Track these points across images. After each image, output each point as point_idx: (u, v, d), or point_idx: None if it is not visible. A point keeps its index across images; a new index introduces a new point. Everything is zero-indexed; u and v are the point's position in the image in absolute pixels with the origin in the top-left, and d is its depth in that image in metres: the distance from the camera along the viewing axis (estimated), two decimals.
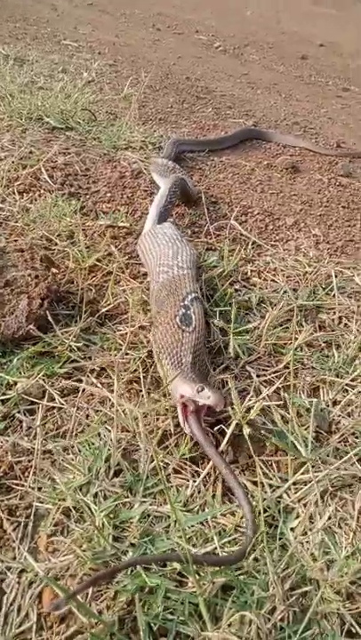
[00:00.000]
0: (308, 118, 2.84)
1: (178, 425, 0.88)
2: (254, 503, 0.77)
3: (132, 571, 0.68)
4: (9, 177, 1.53)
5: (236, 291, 1.28)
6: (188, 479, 0.83)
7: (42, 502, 0.76)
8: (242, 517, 0.77)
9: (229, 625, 0.64)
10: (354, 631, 0.68)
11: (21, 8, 3.92)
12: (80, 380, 0.96)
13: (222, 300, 1.21)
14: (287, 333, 1.15)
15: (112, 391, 0.92)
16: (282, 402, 0.98)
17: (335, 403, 1.02)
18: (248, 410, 0.89)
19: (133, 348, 1.03)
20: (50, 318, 1.00)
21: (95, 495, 0.77)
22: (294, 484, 0.84)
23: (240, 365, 1.05)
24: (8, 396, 0.90)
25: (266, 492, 0.82)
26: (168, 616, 0.64)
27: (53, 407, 0.91)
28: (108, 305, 1.12)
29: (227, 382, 0.98)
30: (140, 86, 2.47)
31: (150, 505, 0.77)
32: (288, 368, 1.05)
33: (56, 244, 1.29)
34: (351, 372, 1.08)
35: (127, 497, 0.78)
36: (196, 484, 0.82)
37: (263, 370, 1.06)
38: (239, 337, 1.11)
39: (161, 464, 0.83)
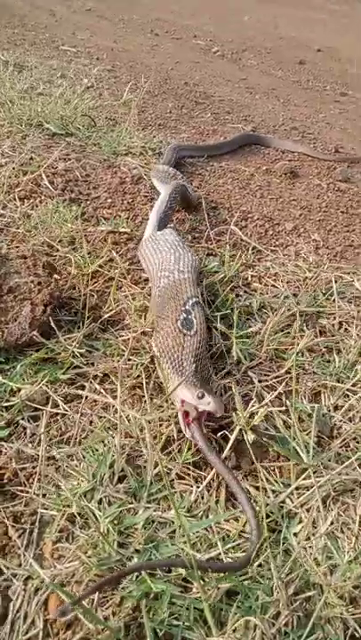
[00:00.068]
0: (307, 123, 2.85)
1: (181, 430, 0.89)
2: (257, 508, 0.77)
3: (137, 577, 0.68)
4: (10, 183, 1.54)
5: (238, 296, 1.29)
6: (192, 485, 0.83)
7: (47, 509, 0.76)
8: (245, 523, 0.77)
9: (234, 630, 0.65)
10: (357, 635, 0.68)
11: (20, 14, 3.94)
12: (83, 387, 0.97)
13: (224, 306, 1.22)
14: (288, 339, 1.16)
15: (115, 397, 0.92)
16: (284, 407, 0.98)
17: (337, 408, 1.03)
18: (251, 415, 0.90)
19: (136, 354, 1.04)
20: (53, 324, 1.01)
21: (100, 501, 0.77)
22: (297, 489, 0.85)
23: (242, 370, 1.06)
24: (12, 403, 0.91)
25: (269, 498, 0.83)
26: (173, 622, 0.65)
27: (57, 413, 0.91)
28: (111, 311, 1.13)
29: (230, 387, 0.99)
30: (140, 92, 2.48)
31: (155, 511, 0.78)
32: (290, 373, 1.05)
33: (58, 251, 1.30)
34: (352, 377, 1.09)
35: (131, 503, 0.78)
36: (199, 489, 0.82)
37: (265, 375, 1.07)
38: (241, 342, 1.11)
39: (165, 470, 0.84)
